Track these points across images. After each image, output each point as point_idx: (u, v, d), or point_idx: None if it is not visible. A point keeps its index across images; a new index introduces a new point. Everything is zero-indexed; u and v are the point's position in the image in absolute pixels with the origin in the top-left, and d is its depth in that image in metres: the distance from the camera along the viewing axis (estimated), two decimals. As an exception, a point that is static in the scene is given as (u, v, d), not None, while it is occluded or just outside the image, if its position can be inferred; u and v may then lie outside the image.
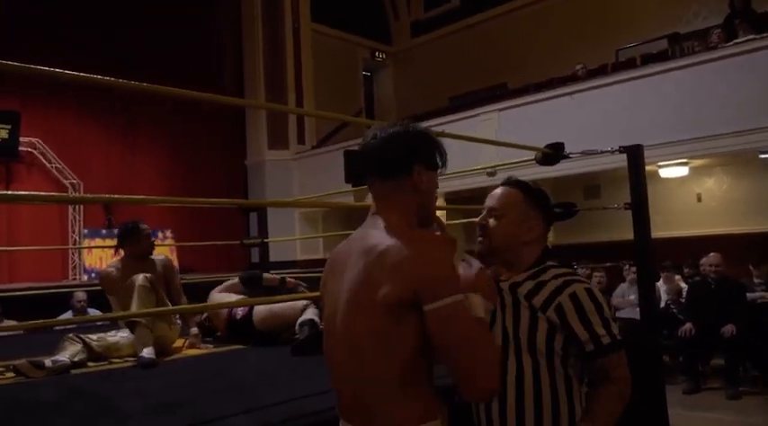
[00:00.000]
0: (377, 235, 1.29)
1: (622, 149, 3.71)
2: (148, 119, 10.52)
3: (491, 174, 7.42)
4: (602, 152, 3.74)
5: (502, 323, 1.58)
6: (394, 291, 1.19)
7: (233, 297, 3.92)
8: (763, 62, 6.20)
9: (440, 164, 1.39)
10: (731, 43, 6.72)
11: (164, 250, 10.43)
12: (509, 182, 1.70)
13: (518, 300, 1.58)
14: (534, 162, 3.73)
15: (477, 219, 1.69)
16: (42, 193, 8.53)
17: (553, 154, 3.60)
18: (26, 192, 8.36)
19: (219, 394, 2.31)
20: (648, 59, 8.37)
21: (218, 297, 4.03)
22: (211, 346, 3.65)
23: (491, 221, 1.64)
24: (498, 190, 1.69)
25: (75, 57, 9.16)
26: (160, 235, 10.59)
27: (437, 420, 1.25)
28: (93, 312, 6.47)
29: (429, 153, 1.37)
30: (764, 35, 6.37)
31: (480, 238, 1.66)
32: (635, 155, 3.70)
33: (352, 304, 1.26)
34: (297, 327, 3.34)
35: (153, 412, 2.11)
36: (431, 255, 1.21)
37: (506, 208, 1.64)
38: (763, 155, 6.90)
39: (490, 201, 1.68)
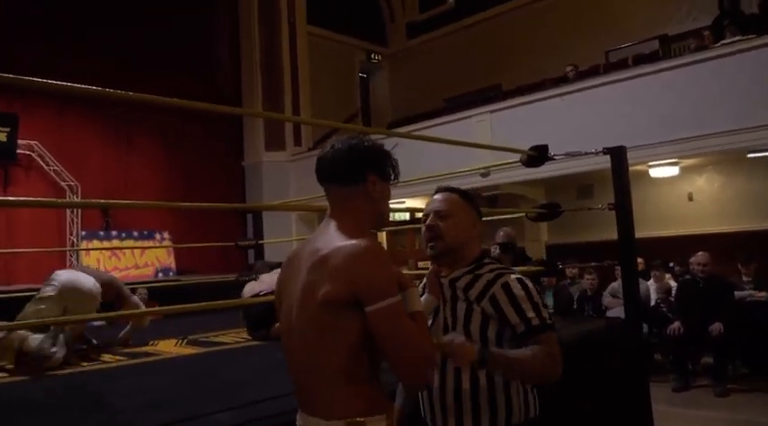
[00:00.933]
0: (325, 238, 1.37)
1: (606, 150, 3.78)
2: (145, 121, 10.57)
3: (484, 175, 7.52)
4: (585, 153, 3.81)
5: (443, 316, 1.73)
6: (333, 291, 1.27)
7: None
8: (750, 63, 6.27)
9: (392, 175, 1.49)
10: (719, 44, 6.80)
11: (161, 251, 10.55)
12: (447, 189, 1.87)
13: (456, 294, 1.73)
14: (517, 161, 3.80)
15: (424, 224, 1.82)
16: (40, 199, 8.61)
17: (538, 156, 3.68)
18: (23, 198, 8.43)
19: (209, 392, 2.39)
20: (640, 60, 8.46)
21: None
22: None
23: (441, 223, 1.78)
24: (440, 196, 1.85)
25: (74, 54, 9.37)
26: (157, 236, 10.69)
27: (383, 415, 1.33)
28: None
29: (382, 164, 1.47)
30: (750, 36, 6.45)
31: (431, 242, 1.79)
32: (618, 156, 3.78)
33: (302, 301, 1.34)
34: None
35: (143, 409, 2.19)
36: (369, 259, 1.29)
37: (452, 210, 1.79)
38: (751, 155, 6.97)
39: (436, 205, 1.82)
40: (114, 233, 10.14)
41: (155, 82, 10.33)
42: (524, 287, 1.68)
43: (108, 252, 9.85)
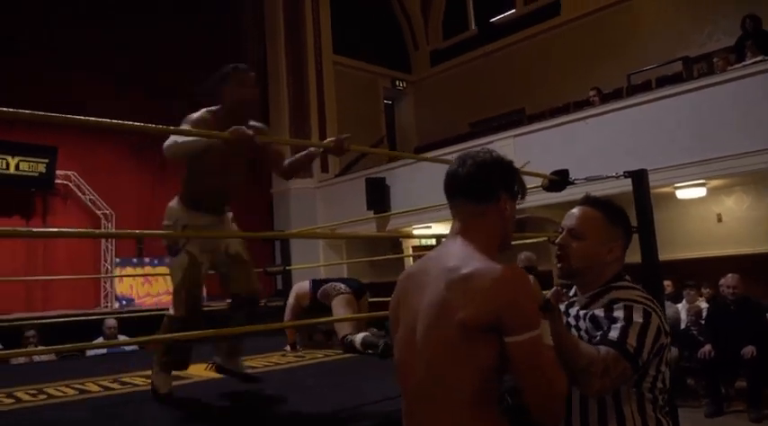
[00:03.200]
0: (460, 256, 1.32)
1: (627, 174, 3.82)
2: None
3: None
4: (606, 177, 3.84)
5: None
6: (475, 314, 1.22)
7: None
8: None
9: (520, 194, 1.46)
10: (740, 65, 6.79)
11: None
12: (588, 201, 1.66)
13: (574, 315, 1.60)
14: (538, 185, 3.85)
15: (555, 240, 1.67)
16: (74, 230, 8.90)
17: (559, 180, 3.73)
18: (58, 230, 8.71)
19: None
20: (663, 82, 8.46)
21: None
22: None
23: (572, 243, 1.61)
24: (576, 210, 1.65)
25: (105, 83, 9.70)
26: (188, 262, 10.90)
27: None
28: (123, 338, 6.71)
29: (513, 183, 1.44)
30: (773, 57, 6.43)
31: (559, 261, 1.63)
32: (639, 179, 3.81)
33: (433, 320, 1.29)
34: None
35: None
36: (516, 286, 1.23)
37: (587, 230, 1.60)
38: (780, 175, 6.90)
39: (569, 221, 1.64)
40: (147, 259, 10.38)
41: (184, 109, 10.69)
42: (646, 316, 1.46)
43: (141, 279, 10.08)
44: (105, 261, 10.02)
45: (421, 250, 11.25)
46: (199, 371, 3.89)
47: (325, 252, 11.42)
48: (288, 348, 4.52)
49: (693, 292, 6.63)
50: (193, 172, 2.94)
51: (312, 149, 3.01)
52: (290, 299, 4.69)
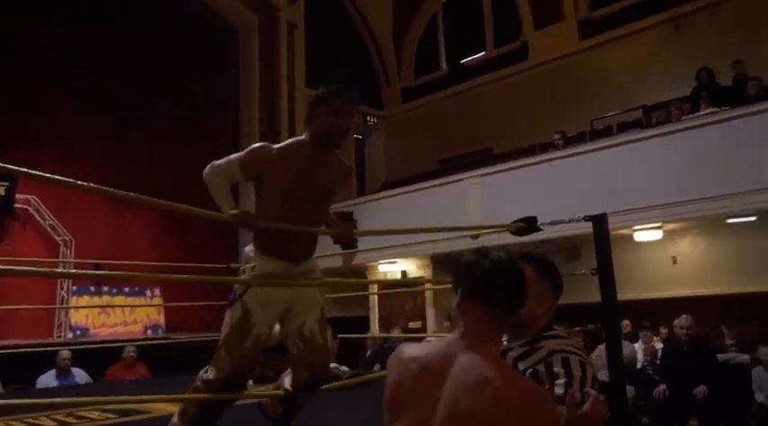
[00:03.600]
0: (491, 366, 1.30)
1: (588, 218, 3.96)
2: (144, 182, 10.79)
3: (474, 238, 7.69)
4: (569, 221, 3.97)
5: None
6: None
7: None
8: (725, 132, 6.57)
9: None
10: (695, 115, 7.13)
11: (151, 308, 10.54)
12: (522, 258, 1.73)
13: None
14: (504, 230, 3.97)
15: None
16: (28, 269, 8.71)
17: (527, 227, 3.85)
18: (9, 268, 8.52)
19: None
20: (624, 127, 8.79)
21: None
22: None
23: None
24: None
25: (78, 112, 9.73)
26: (148, 293, 10.69)
27: None
28: (77, 371, 6.53)
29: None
30: (724, 109, 6.78)
31: None
32: (599, 223, 3.95)
33: (453, 423, 1.28)
34: None
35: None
36: (548, 409, 1.26)
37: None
38: (730, 220, 7.19)
39: None
40: (105, 289, 10.16)
41: (154, 139, 10.70)
42: (583, 369, 1.57)
43: (98, 309, 9.84)
44: (62, 289, 9.75)
45: (387, 285, 11.28)
46: (161, 405, 3.83)
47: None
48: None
49: (649, 332, 6.80)
50: (263, 203, 2.61)
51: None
52: None
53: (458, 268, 1.47)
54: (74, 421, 3.34)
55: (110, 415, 3.48)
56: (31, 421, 3.32)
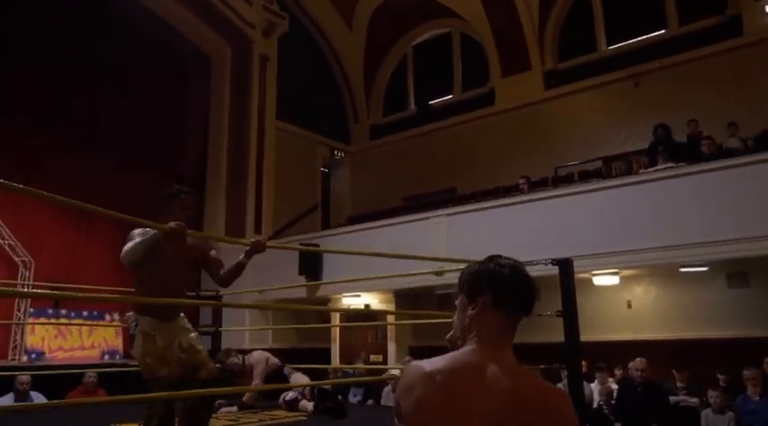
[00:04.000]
0: (524, 378, 1.36)
1: (554, 262, 4.20)
2: (106, 204, 10.70)
3: (439, 274, 7.89)
4: (536, 263, 4.19)
5: None
6: None
7: None
8: (680, 186, 6.99)
9: None
10: (653, 169, 7.57)
11: (109, 333, 10.35)
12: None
13: None
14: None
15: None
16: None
17: (494, 264, 4.04)
18: None
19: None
20: (585, 176, 9.22)
21: None
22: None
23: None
24: None
25: (44, 126, 9.77)
26: (107, 317, 10.51)
27: None
28: (36, 395, 6.40)
29: None
30: (680, 164, 7.23)
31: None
32: (565, 267, 4.20)
33: None
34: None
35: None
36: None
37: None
38: (682, 269, 7.60)
39: None
40: (63, 312, 9.95)
41: (118, 162, 10.67)
42: None
43: (54, 332, 9.62)
44: (19, 310, 9.51)
45: (349, 316, 11.35)
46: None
47: (252, 314, 11.31)
48: (233, 408, 4.63)
49: (605, 373, 7.06)
50: (144, 274, 3.33)
51: (242, 258, 3.53)
52: (261, 366, 5.31)
53: (474, 277, 1.47)
54: None
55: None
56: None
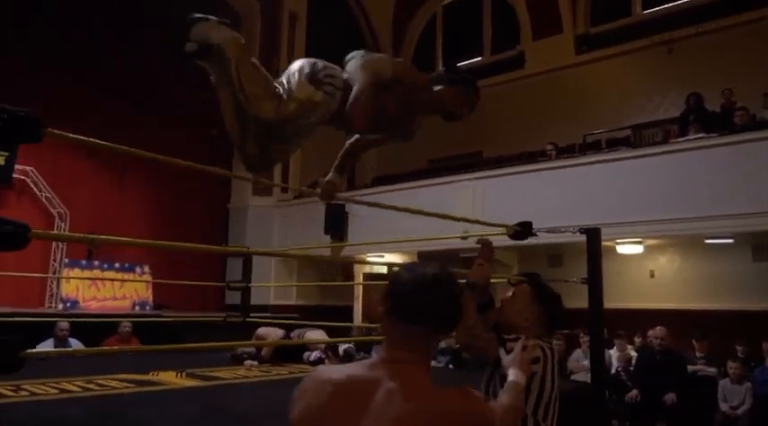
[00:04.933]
0: (407, 396, 1.19)
1: (582, 230, 4.27)
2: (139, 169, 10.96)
3: (464, 238, 8.00)
4: (564, 231, 4.28)
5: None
6: None
7: None
8: (710, 157, 6.95)
9: None
10: (683, 139, 7.50)
11: (140, 285, 10.70)
12: (527, 274, 2.29)
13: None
14: (503, 232, 4.24)
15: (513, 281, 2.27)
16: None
17: (522, 231, 4.13)
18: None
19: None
20: (613, 144, 9.15)
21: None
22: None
23: (507, 301, 2.18)
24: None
25: (76, 84, 9.85)
26: (137, 269, 10.84)
27: None
28: (74, 341, 6.70)
29: None
30: (712, 135, 7.16)
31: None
32: (593, 236, 4.26)
33: None
34: None
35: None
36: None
37: (517, 295, 2.19)
38: (708, 241, 7.60)
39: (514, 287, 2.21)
40: (96, 263, 10.28)
41: (152, 118, 10.82)
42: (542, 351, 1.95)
43: (88, 282, 9.96)
44: (54, 260, 9.87)
45: (372, 277, 11.56)
46: (170, 378, 4.08)
47: (277, 270, 11.57)
48: (255, 362, 4.77)
49: (624, 340, 7.16)
50: None
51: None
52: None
53: (389, 280, 1.36)
54: (95, 388, 3.55)
55: (129, 384, 3.70)
56: (55, 385, 3.53)
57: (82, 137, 2.10)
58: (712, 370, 6.28)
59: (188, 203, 11.71)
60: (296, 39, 12.94)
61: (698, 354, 6.50)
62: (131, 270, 10.77)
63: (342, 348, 5.13)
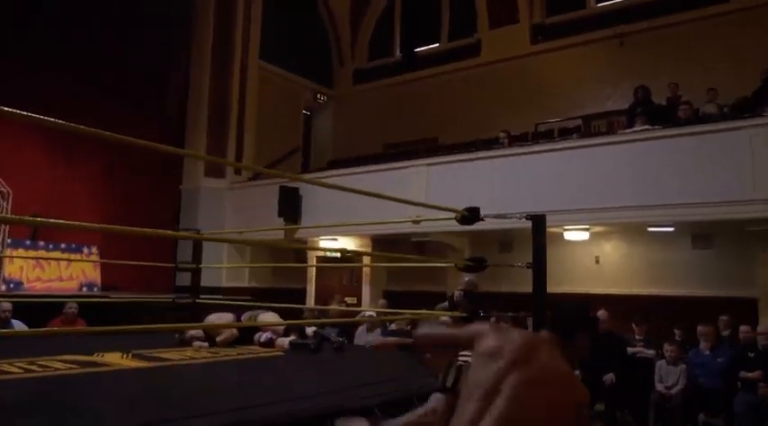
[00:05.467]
0: None
1: (528, 217, 4.39)
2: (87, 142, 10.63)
3: (416, 223, 8.10)
4: (510, 217, 4.40)
5: None
6: None
7: None
8: (654, 150, 7.20)
9: None
10: (630, 130, 7.74)
11: (87, 265, 10.45)
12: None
13: None
14: (452, 217, 4.33)
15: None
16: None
17: (470, 216, 4.22)
18: None
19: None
20: (564, 133, 9.37)
21: None
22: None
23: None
24: None
25: (22, 62, 9.43)
26: (85, 250, 10.58)
27: None
28: (17, 323, 6.53)
29: None
30: (657, 127, 7.41)
31: None
32: (538, 222, 4.39)
33: None
34: None
35: (120, 414, 2.49)
36: None
37: None
38: (650, 229, 7.89)
39: None
40: (41, 243, 9.99)
41: (101, 96, 10.51)
42: None
43: (32, 262, 9.67)
44: (-5, 240, 9.54)
45: (325, 261, 11.58)
46: (116, 359, 4.02)
47: (229, 252, 11.46)
48: (206, 343, 4.74)
49: (568, 324, 7.40)
50: None
51: None
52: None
53: None
54: (37, 369, 3.48)
55: (72, 366, 3.64)
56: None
57: (24, 113, 2.05)
58: (650, 352, 6.56)
59: (139, 184, 11.47)
60: (251, 19, 12.71)
61: (637, 337, 6.77)
62: (78, 250, 10.50)
63: (309, 330, 5.09)
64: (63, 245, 10.30)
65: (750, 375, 5.48)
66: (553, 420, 0.41)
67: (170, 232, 7.06)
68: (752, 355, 5.63)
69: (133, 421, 2.35)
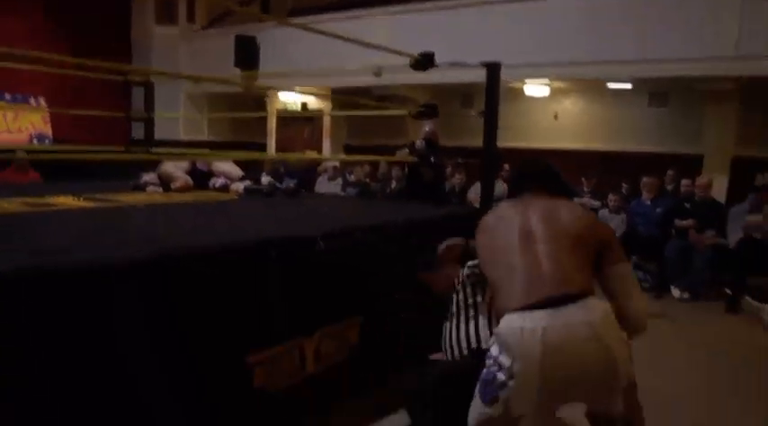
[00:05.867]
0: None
1: (483, 64, 4.33)
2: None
3: (377, 74, 7.92)
4: (465, 65, 4.33)
5: None
6: None
7: None
8: (617, 3, 7.02)
9: None
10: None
11: (36, 117, 10.10)
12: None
13: None
14: (408, 63, 4.25)
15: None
16: None
17: (424, 61, 4.15)
18: None
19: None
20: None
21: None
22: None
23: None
24: None
25: None
26: (32, 101, 10.17)
27: None
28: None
29: None
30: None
31: None
32: (493, 70, 4.33)
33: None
34: None
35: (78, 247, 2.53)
36: None
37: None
38: (609, 85, 7.90)
39: None
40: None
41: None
42: None
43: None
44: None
45: (287, 115, 11.40)
46: (68, 201, 4.02)
47: (187, 106, 11.19)
48: (160, 189, 4.76)
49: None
50: None
51: None
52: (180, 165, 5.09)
53: None
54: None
55: (24, 206, 3.63)
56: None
57: None
58: (597, 203, 6.86)
59: (84, 33, 10.77)
60: None
61: (585, 189, 7.04)
62: (25, 101, 10.10)
63: (264, 178, 5.05)
64: (8, 96, 9.86)
65: (684, 223, 5.81)
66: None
67: (119, 76, 6.73)
68: (688, 206, 5.92)
69: (88, 251, 2.40)
